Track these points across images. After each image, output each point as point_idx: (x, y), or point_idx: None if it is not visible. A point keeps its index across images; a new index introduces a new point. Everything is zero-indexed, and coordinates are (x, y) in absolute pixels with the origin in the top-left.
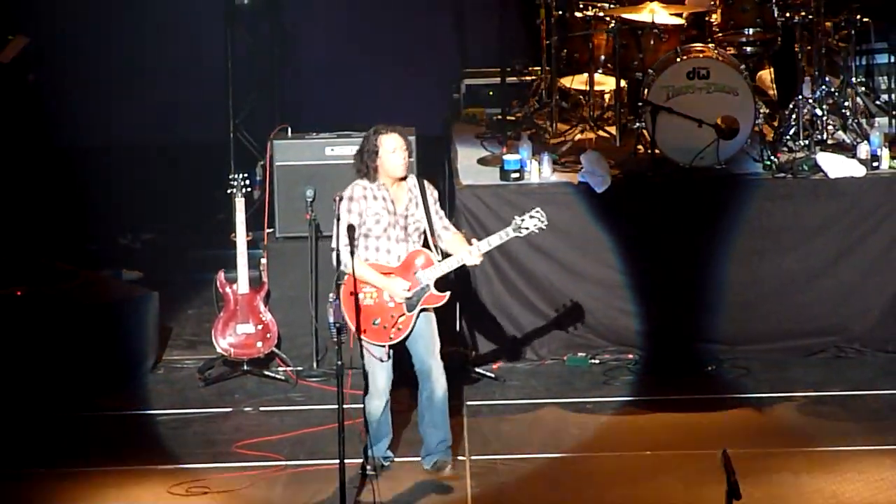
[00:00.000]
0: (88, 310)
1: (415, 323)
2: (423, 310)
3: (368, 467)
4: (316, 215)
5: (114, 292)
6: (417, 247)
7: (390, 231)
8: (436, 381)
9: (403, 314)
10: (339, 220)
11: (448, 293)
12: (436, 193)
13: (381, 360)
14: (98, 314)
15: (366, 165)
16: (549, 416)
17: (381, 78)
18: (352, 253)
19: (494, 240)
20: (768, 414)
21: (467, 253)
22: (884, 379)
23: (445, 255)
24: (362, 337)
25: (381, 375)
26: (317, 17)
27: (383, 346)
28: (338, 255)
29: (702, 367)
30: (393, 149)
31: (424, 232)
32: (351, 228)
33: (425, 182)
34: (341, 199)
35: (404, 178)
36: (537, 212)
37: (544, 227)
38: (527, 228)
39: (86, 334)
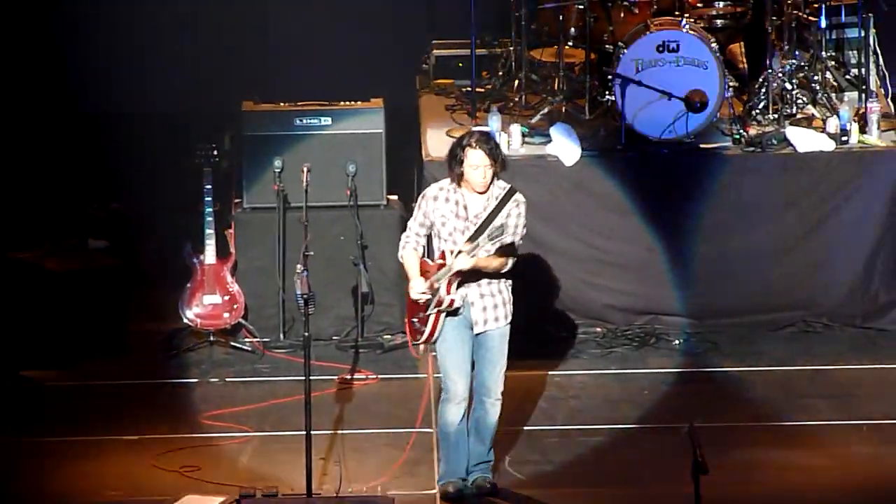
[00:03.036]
0: (54, 279)
1: (441, 326)
2: (493, 329)
3: (450, 489)
4: (284, 186)
5: (79, 261)
6: (489, 253)
7: (456, 236)
8: (491, 405)
9: (427, 314)
10: (416, 207)
11: (453, 297)
12: (519, 210)
13: (416, 355)
14: (64, 283)
15: (452, 170)
16: (517, 390)
17: (350, 48)
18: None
19: (480, 243)
20: (735, 388)
21: (459, 257)
22: (851, 354)
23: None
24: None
25: (458, 378)
26: None
27: (414, 344)
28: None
29: (669, 341)
30: (475, 165)
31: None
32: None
33: (515, 196)
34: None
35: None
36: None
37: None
38: (498, 237)
39: (51, 304)
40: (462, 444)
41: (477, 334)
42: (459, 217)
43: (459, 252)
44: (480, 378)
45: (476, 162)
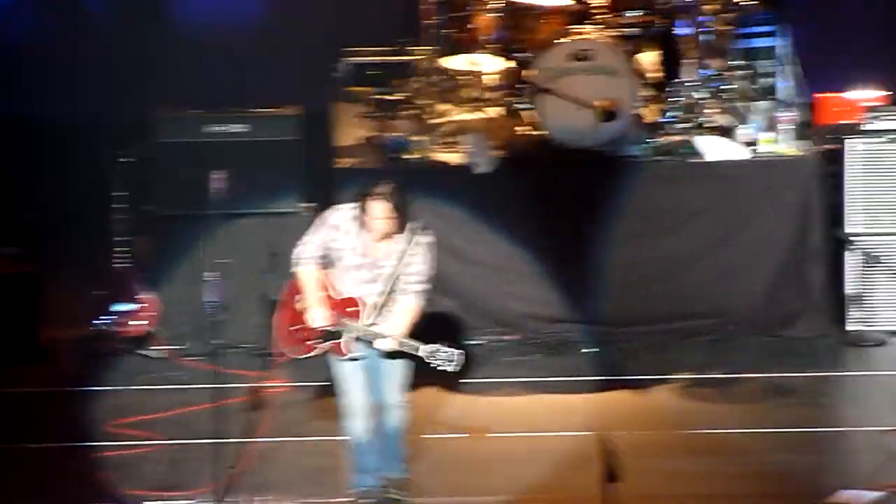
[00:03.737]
0: None
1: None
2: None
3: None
4: (199, 193)
5: None
6: (392, 296)
7: (352, 272)
8: (397, 410)
9: (312, 339)
10: (316, 227)
11: (353, 353)
12: (424, 249)
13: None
14: None
15: (357, 210)
16: (428, 397)
17: (264, 54)
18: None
19: (410, 346)
20: (648, 396)
21: (382, 337)
22: (763, 362)
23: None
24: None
25: (355, 392)
26: None
27: (285, 349)
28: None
29: (583, 349)
30: (376, 217)
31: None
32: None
33: (420, 237)
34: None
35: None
36: (458, 355)
37: (450, 370)
38: (436, 360)
39: None
40: (370, 453)
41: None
42: (357, 254)
43: (374, 307)
44: (384, 385)
45: (376, 214)
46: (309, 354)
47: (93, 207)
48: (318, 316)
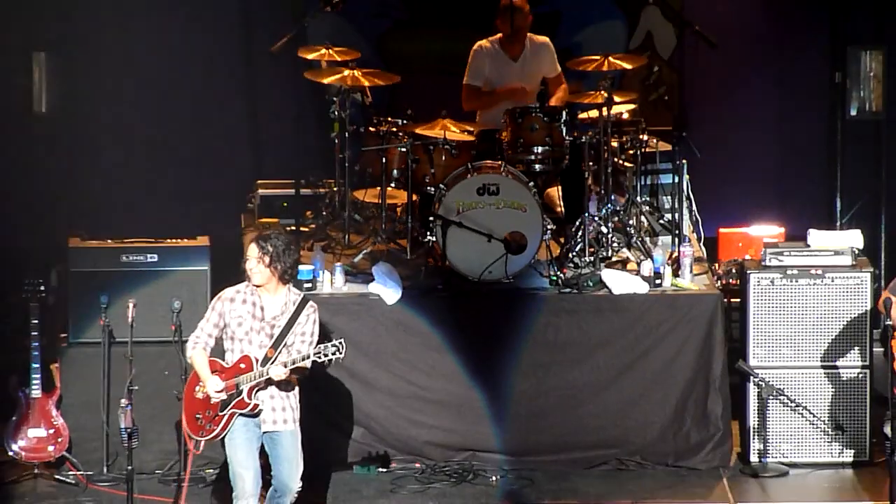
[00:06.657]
0: None
1: (231, 426)
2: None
3: None
4: (109, 321)
5: None
6: (282, 357)
7: (252, 336)
8: (291, 501)
9: (217, 413)
10: (209, 310)
11: (256, 404)
12: (314, 316)
13: (193, 451)
14: None
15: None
16: None
17: (177, 185)
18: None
19: (298, 359)
20: None
21: (274, 366)
22: (663, 492)
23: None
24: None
25: (247, 477)
26: (113, 121)
27: (196, 439)
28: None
29: (487, 477)
30: (247, 257)
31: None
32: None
33: (310, 303)
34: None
35: (272, 286)
36: (340, 343)
37: (341, 359)
38: (326, 356)
39: None
40: None
41: (266, 432)
42: (256, 318)
43: (266, 359)
44: (279, 476)
45: (248, 254)
46: (217, 431)
47: (6, 334)
48: (213, 384)
